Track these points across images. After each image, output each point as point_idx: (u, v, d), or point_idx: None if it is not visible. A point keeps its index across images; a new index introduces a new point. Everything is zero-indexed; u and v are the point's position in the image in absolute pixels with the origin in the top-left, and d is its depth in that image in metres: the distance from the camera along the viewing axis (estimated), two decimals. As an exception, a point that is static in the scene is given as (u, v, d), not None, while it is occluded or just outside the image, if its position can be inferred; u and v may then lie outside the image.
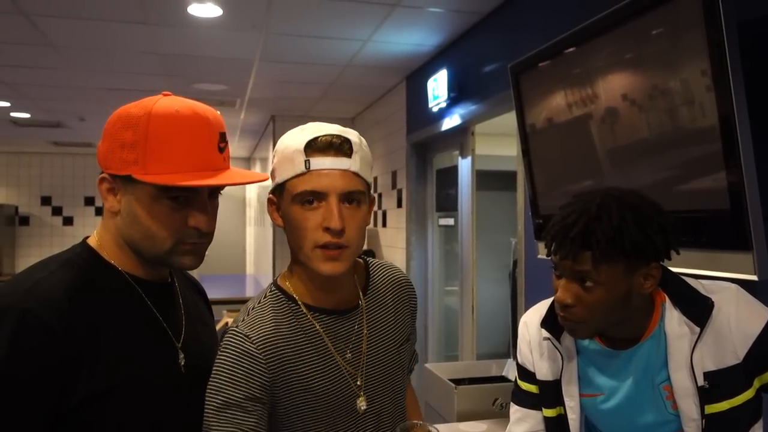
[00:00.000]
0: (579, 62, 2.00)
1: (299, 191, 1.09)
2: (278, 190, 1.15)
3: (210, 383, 1.06)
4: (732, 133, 1.45)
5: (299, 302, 1.18)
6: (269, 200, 1.19)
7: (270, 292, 1.20)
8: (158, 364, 1.04)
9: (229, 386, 1.06)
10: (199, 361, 1.11)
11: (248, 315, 1.15)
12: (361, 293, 1.26)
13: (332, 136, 1.12)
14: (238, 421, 1.05)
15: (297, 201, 1.10)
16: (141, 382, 0.99)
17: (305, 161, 1.09)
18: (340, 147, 1.12)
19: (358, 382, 1.18)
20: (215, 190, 1.07)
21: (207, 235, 1.05)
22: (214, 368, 1.08)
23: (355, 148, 1.15)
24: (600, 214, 1.12)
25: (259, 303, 1.18)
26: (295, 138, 1.12)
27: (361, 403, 1.18)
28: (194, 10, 3.12)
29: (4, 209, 8.88)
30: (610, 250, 1.10)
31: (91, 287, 0.98)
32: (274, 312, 1.16)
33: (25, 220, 9.41)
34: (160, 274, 1.11)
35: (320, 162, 1.10)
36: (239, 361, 1.08)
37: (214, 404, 1.05)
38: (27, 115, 6.15)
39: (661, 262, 1.17)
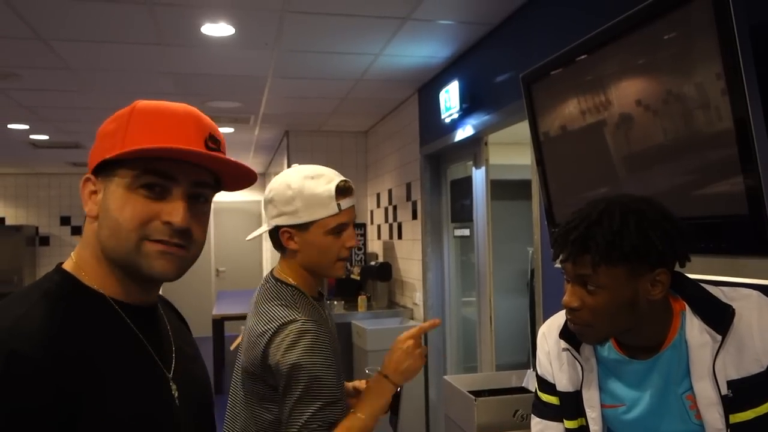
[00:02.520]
0: (591, 69, 1.99)
1: (333, 226, 1.49)
2: (301, 225, 1.49)
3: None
4: (748, 137, 1.44)
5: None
6: (284, 232, 1.51)
7: (295, 292, 1.53)
8: (155, 399, 0.95)
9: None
10: (192, 393, 1.03)
11: (289, 307, 1.48)
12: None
13: (345, 181, 1.54)
14: None
15: (330, 233, 1.49)
16: (141, 419, 0.90)
17: (337, 204, 1.49)
18: (350, 189, 1.56)
19: None
20: (200, 195, 0.96)
21: (183, 236, 0.93)
22: (311, 355, 1.37)
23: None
24: (601, 218, 1.14)
25: (293, 300, 1.51)
26: (321, 186, 1.49)
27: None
28: (207, 29, 3.16)
29: (24, 230, 9.00)
30: (609, 253, 1.11)
31: (76, 319, 0.88)
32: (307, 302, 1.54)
33: (45, 240, 9.53)
34: (147, 297, 0.99)
35: (345, 203, 1.52)
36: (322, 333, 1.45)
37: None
38: (46, 137, 6.25)
39: (671, 269, 1.16)
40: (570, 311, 1.19)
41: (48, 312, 0.86)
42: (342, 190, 1.51)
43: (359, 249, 5.57)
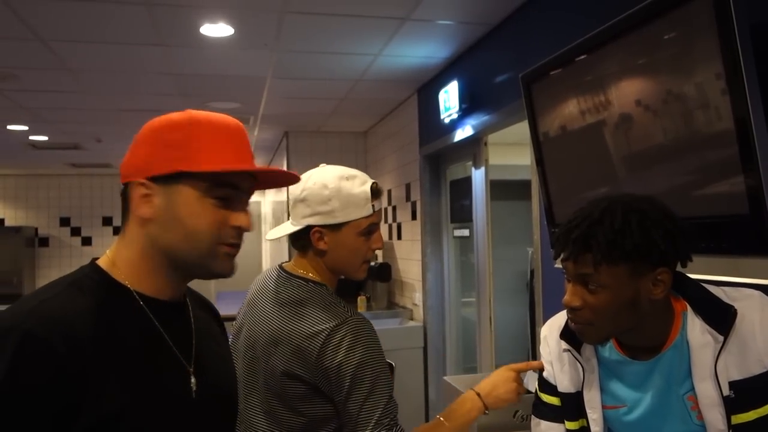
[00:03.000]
0: (591, 69, 1.99)
1: (365, 227, 1.51)
2: (334, 226, 1.49)
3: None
4: (748, 137, 1.43)
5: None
6: (316, 232, 1.50)
7: (329, 290, 1.53)
8: (166, 390, 0.99)
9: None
10: (213, 386, 1.07)
11: (335, 306, 1.49)
12: None
13: (376, 183, 1.56)
14: None
15: (362, 234, 1.51)
16: (147, 408, 0.94)
17: (372, 206, 1.52)
18: (380, 190, 1.56)
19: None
20: (249, 195, 1.07)
21: (241, 239, 1.05)
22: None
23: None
24: (603, 217, 1.13)
25: (335, 299, 1.51)
26: (357, 187, 1.51)
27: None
28: (207, 30, 3.16)
29: (23, 231, 9.00)
30: (610, 252, 1.11)
31: (97, 308, 0.94)
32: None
33: (44, 242, 9.52)
34: (176, 293, 1.05)
35: (377, 205, 1.54)
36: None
37: None
38: (45, 138, 6.25)
39: (672, 268, 1.15)
40: (571, 311, 1.19)
41: (69, 298, 0.92)
42: (375, 192, 1.53)
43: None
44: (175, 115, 1.02)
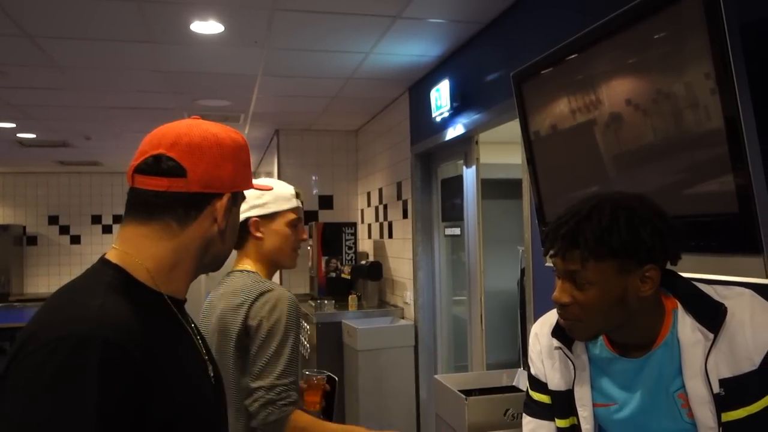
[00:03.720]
0: (581, 68, 1.99)
1: (293, 218, 1.84)
2: (268, 216, 1.81)
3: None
4: (738, 136, 1.44)
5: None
6: (253, 222, 1.79)
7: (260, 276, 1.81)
8: (204, 381, 1.05)
9: None
10: (217, 373, 1.13)
11: (261, 282, 1.78)
12: None
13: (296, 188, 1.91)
14: None
15: (290, 225, 1.83)
16: (199, 404, 0.99)
17: (297, 201, 1.86)
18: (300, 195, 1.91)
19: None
20: None
21: None
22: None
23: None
24: (591, 214, 1.15)
25: (263, 279, 1.81)
26: (285, 186, 1.86)
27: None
28: (197, 27, 3.14)
29: (11, 229, 8.91)
30: (598, 249, 1.12)
31: (142, 310, 0.94)
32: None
33: (32, 240, 9.44)
34: (185, 290, 1.09)
35: (298, 202, 1.88)
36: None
37: None
38: (33, 136, 6.19)
39: (660, 265, 1.16)
40: (560, 307, 1.20)
41: (119, 303, 0.92)
42: (298, 194, 1.89)
43: (349, 248, 5.56)
44: (236, 135, 1.08)
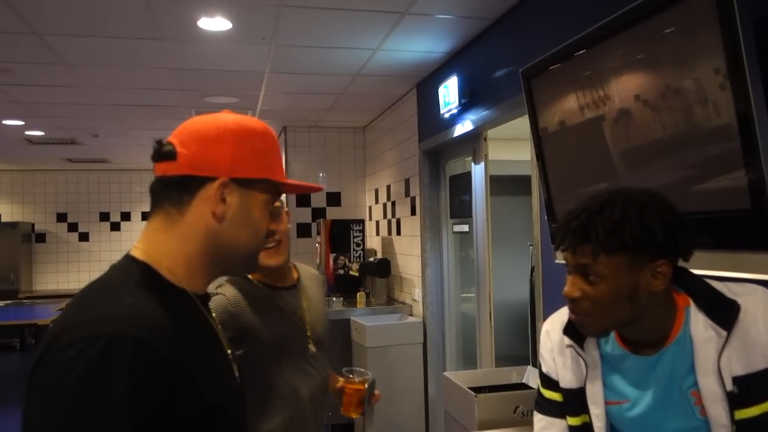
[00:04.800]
0: (591, 64, 1.98)
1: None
2: None
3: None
4: (751, 131, 1.43)
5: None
6: None
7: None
8: (231, 378, 1.04)
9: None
10: (240, 371, 1.12)
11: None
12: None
13: None
14: None
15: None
16: (227, 404, 0.99)
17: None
18: None
19: (309, 333, 1.84)
20: None
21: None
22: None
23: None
24: (603, 208, 1.14)
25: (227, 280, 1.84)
26: None
27: (311, 347, 1.84)
28: (204, 24, 3.14)
29: (20, 227, 8.97)
30: (609, 242, 1.11)
31: (171, 308, 0.93)
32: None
33: (41, 237, 9.49)
34: (205, 286, 1.07)
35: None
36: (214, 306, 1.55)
37: None
38: (41, 133, 6.22)
39: (672, 261, 1.15)
40: (570, 302, 1.20)
41: (149, 301, 0.91)
42: None
43: (357, 245, 5.56)
44: (253, 123, 1.04)
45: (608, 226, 1.11)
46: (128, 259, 0.99)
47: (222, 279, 1.63)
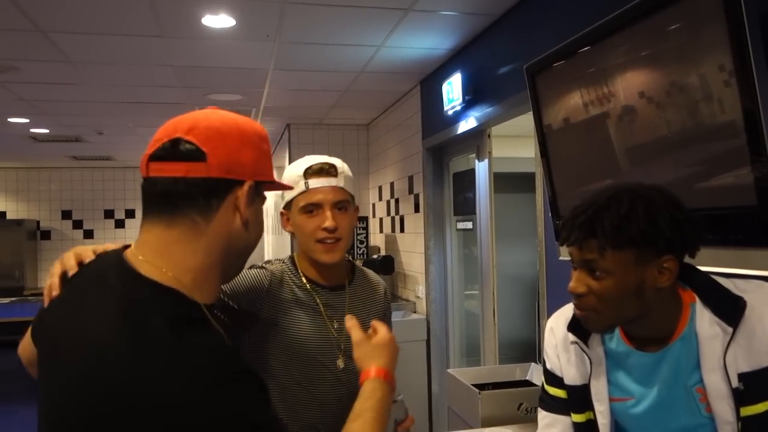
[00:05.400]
0: (595, 61, 1.97)
1: (302, 204, 1.55)
2: (288, 206, 1.60)
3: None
4: (757, 127, 1.42)
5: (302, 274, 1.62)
6: (282, 214, 1.63)
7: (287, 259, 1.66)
8: None
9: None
10: None
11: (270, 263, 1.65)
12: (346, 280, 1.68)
13: (322, 163, 1.57)
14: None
15: (303, 212, 1.56)
16: None
17: (305, 183, 1.55)
18: (328, 171, 1.56)
19: (342, 347, 1.57)
20: None
21: None
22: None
23: (339, 170, 1.58)
24: (609, 203, 1.13)
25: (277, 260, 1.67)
26: (296, 167, 1.57)
27: (340, 362, 1.57)
28: (208, 21, 3.14)
29: (26, 224, 9.00)
30: (616, 237, 1.11)
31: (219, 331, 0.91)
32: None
33: (46, 234, 9.53)
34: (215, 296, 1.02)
35: (316, 182, 1.55)
36: (253, 274, 1.56)
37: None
38: (46, 131, 6.23)
39: (679, 256, 1.15)
40: (576, 297, 1.19)
41: (213, 333, 0.88)
42: (312, 171, 1.56)
43: (361, 243, 5.56)
44: (256, 124, 1.02)
45: (615, 221, 1.11)
46: (138, 282, 0.88)
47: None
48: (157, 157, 0.91)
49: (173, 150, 0.90)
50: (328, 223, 1.53)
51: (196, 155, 0.89)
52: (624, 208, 1.12)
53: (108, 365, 0.80)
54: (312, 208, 1.54)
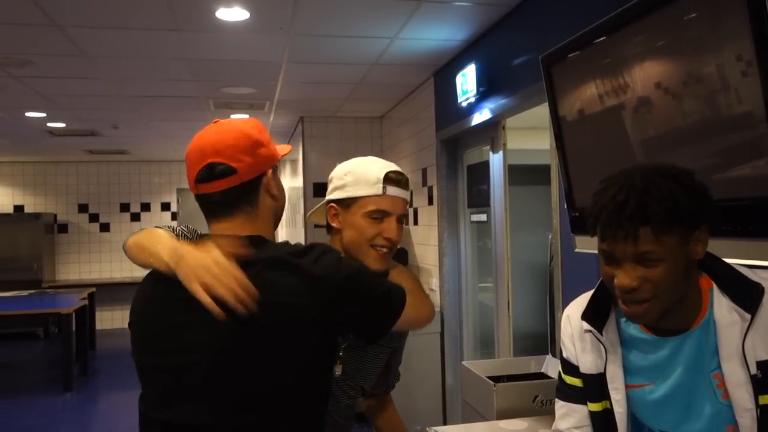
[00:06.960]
0: (611, 51, 1.95)
1: (373, 209, 1.49)
2: (344, 201, 1.52)
3: None
4: (777, 117, 1.39)
5: None
6: (331, 208, 1.55)
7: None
8: None
9: None
10: None
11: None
12: None
13: (399, 172, 1.55)
14: None
15: (370, 216, 1.49)
16: None
17: (383, 187, 1.50)
18: (405, 182, 1.56)
19: (341, 353, 1.52)
20: None
21: None
22: None
23: (409, 184, 1.58)
24: (647, 186, 1.09)
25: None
26: (374, 168, 1.52)
27: (337, 369, 1.52)
28: (222, 14, 3.14)
29: (43, 217, 9.11)
30: (669, 220, 1.07)
31: None
32: None
33: (63, 228, 9.63)
34: None
35: (392, 191, 1.52)
36: None
37: None
38: (62, 125, 6.30)
39: (710, 225, 1.13)
40: (629, 291, 1.12)
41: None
42: (391, 179, 1.52)
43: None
44: (253, 122, 1.32)
45: (664, 202, 1.07)
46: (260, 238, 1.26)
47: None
48: (202, 179, 1.24)
49: (211, 173, 1.23)
50: (393, 234, 1.50)
51: (229, 171, 1.23)
52: (664, 189, 1.08)
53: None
54: (381, 215, 1.50)
